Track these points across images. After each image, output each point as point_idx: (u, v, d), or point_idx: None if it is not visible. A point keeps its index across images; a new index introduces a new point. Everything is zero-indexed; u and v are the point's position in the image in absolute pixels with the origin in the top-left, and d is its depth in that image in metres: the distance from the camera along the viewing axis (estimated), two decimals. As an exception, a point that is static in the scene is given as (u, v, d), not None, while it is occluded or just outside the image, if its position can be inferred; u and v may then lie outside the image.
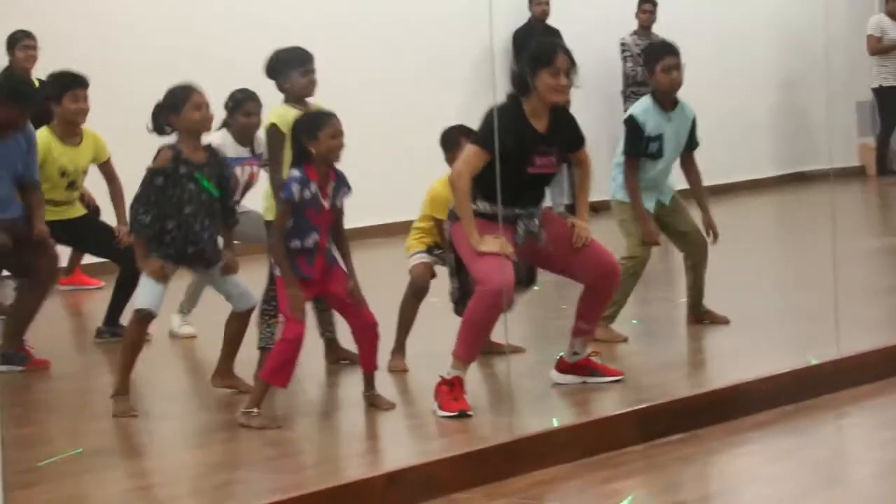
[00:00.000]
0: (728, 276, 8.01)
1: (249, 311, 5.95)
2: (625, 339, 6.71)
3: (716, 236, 6.92)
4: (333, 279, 5.53)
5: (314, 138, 5.40)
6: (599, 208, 11.20)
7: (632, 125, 6.74)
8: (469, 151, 5.52)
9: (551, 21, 11.99)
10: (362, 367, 5.63)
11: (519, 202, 5.56)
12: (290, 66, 6.36)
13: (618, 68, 12.30)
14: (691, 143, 6.89)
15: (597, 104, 11.83)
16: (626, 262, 6.56)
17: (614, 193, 6.85)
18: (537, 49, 5.57)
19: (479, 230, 5.43)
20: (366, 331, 5.57)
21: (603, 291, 5.73)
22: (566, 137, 5.65)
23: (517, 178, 5.48)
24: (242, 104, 6.70)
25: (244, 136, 6.69)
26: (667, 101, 6.75)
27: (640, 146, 6.70)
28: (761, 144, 13.49)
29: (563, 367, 5.86)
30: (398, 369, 6.28)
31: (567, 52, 5.55)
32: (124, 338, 5.94)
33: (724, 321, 6.92)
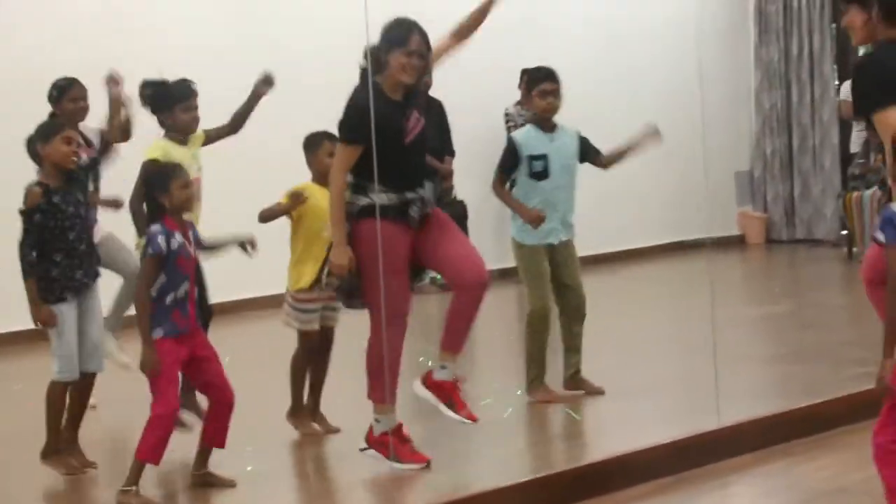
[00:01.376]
0: (610, 344, 8.02)
1: None
2: (601, 391, 6.80)
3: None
4: (199, 338, 5.44)
5: (166, 191, 5.35)
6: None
7: (508, 145, 6.87)
8: (338, 151, 5.51)
9: (434, 93, 12.00)
10: (209, 443, 5.49)
11: (407, 182, 5.52)
12: (173, 102, 6.30)
13: (502, 138, 12.33)
14: (590, 154, 6.92)
15: (480, 174, 11.83)
16: (529, 313, 6.65)
17: (513, 235, 6.88)
18: (393, 28, 5.57)
19: (369, 238, 5.39)
20: (224, 407, 5.46)
21: (466, 298, 5.56)
22: (419, 101, 5.68)
23: (397, 154, 5.45)
24: (67, 90, 6.65)
25: (72, 122, 6.43)
26: (546, 124, 6.84)
27: (511, 161, 6.78)
28: (643, 213, 13.61)
29: (428, 381, 5.67)
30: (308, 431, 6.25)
31: (422, 34, 5.57)
32: (46, 398, 5.74)
33: (600, 391, 6.90)
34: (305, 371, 6.33)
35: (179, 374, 5.38)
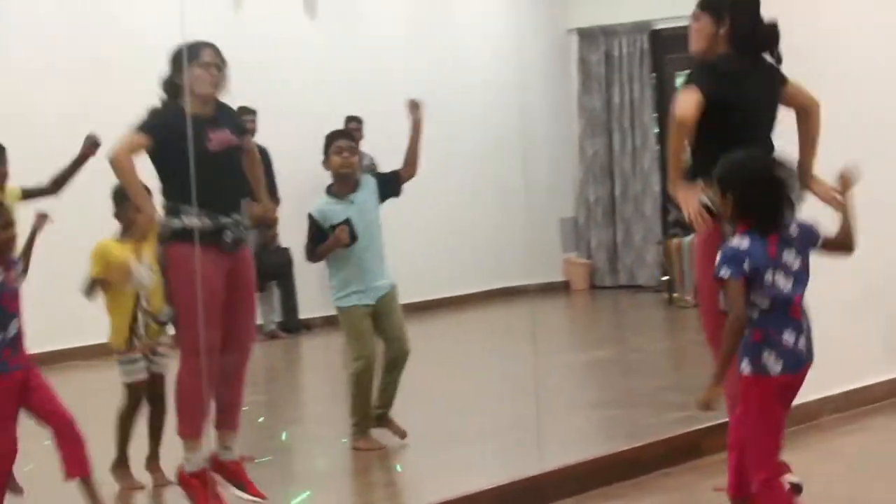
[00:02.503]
0: (433, 391, 7.99)
1: None
2: (402, 435, 6.73)
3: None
4: (32, 371, 5.26)
5: None
6: (312, 325, 11.16)
7: (309, 222, 6.79)
8: (125, 136, 5.38)
9: (258, 139, 11.92)
10: (72, 473, 5.28)
11: (219, 204, 5.41)
12: None
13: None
14: (389, 186, 6.88)
15: (305, 222, 11.77)
16: (353, 365, 6.58)
17: (333, 302, 6.81)
18: (181, 50, 5.52)
19: (183, 263, 5.29)
20: (69, 427, 5.23)
21: (234, 368, 5.50)
22: (233, 122, 5.64)
23: (203, 167, 5.32)
24: None
25: None
26: (343, 186, 6.79)
27: (318, 235, 6.73)
28: (467, 260, 13.67)
29: (214, 465, 5.57)
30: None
31: (215, 49, 5.54)
32: None
33: (402, 434, 6.83)
34: (131, 423, 6.17)
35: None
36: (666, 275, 13.12)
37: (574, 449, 6.38)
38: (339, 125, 11.56)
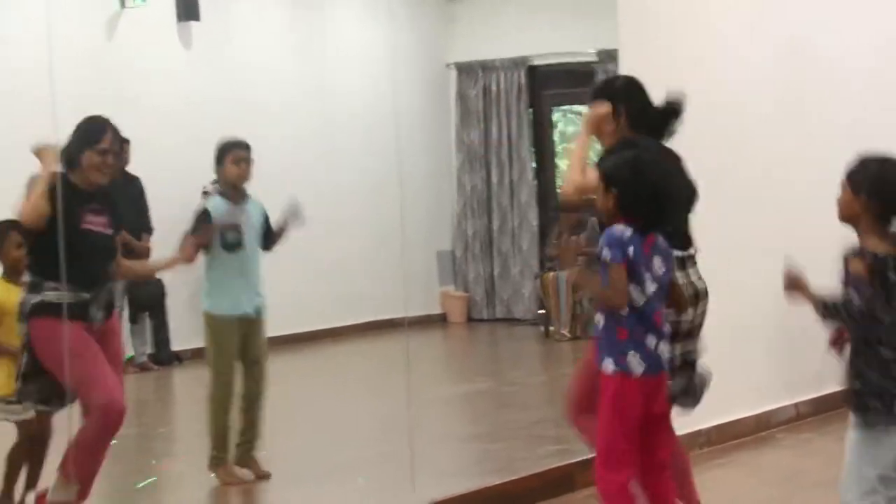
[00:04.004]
0: (307, 425, 7.91)
1: None
2: (265, 477, 6.60)
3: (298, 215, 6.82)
4: None
5: None
6: (183, 357, 10.99)
7: (200, 214, 6.73)
8: (36, 194, 5.35)
9: (132, 168, 11.75)
10: None
11: (84, 281, 5.39)
12: None
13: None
14: (268, 237, 6.84)
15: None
16: (211, 386, 6.49)
17: (205, 308, 6.74)
18: (86, 127, 5.49)
19: (47, 332, 5.27)
20: None
21: (98, 427, 5.43)
22: (117, 210, 5.64)
23: (73, 244, 5.32)
24: None
25: None
26: (235, 194, 6.75)
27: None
28: (342, 292, 13.59)
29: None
30: None
31: (115, 132, 5.50)
32: None
33: (266, 476, 6.72)
34: (22, 462, 5.98)
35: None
36: (542, 308, 13.19)
37: (448, 482, 6.35)
38: (210, 152, 11.49)
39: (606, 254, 4.47)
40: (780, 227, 7.86)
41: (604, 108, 5.19)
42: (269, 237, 6.88)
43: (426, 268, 14.34)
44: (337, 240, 13.57)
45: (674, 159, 5.23)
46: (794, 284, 4.49)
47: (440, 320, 14.53)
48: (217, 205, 6.76)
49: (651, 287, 4.54)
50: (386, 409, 8.73)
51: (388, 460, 7.00)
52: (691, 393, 5.12)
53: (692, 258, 5.18)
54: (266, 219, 6.87)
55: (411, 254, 12.59)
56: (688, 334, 5.06)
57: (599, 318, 4.57)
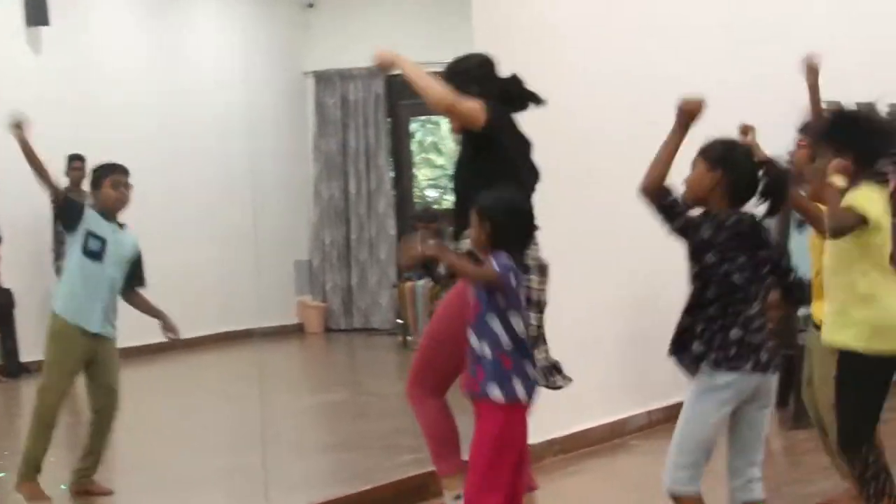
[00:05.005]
0: (158, 437, 7.78)
1: None
2: (107, 493, 6.44)
3: (174, 332, 6.72)
4: None
5: None
6: (33, 369, 10.74)
7: (76, 203, 6.59)
8: None
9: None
10: None
11: None
12: None
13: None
14: (134, 279, 6.70)
15: (27, 262, 11.37)
16: (39, 396, 6.31)
17: (55, 309, 6.56)
18: None
19: None
20: None
21: None
22: None
23: None
24: None
25: None
26: (112, 216, 6.60)
27: (72, 212, 6.52)
28: (196, 302, 13.42)
29: None
30: None
31: None
32: None
33: (107, 492, 6.58)
34: None
35: None
36: (400, 318, 13.18)
37: (302, 493, 6.31)
38: (61, 163, 11.26)
39: (495, 264, 4.55)
40: (632, 236, 7.96)
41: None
42: (134, 279, 6.70)
43: (283, 277, 14.23)
44: (191, 249, 13.39)
45: (524, 144, 5.34)
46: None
47: (297, 330, 14.43)
48: (93, 214, 6.58)
49: (526, 314, 4.70)
50: (240, 420, 8.64)
51: (240, 472, 6.91)
52: (554, 369, 5.21)
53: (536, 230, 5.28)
54: (138, 259, 6.69)
55: (267, 263, 12.50)
56: (538, 307, 5.17)
57: (483, 349, 4.60)
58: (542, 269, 5.24)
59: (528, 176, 5.28)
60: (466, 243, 5.00)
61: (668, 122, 8.50)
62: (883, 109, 5.11)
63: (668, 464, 4.58)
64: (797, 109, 6.52)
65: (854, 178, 5.01)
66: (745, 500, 4.60)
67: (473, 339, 4.63)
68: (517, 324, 4.59)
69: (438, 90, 5.12)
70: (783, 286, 4.60)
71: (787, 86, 6.91)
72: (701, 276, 4.51)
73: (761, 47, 9.16)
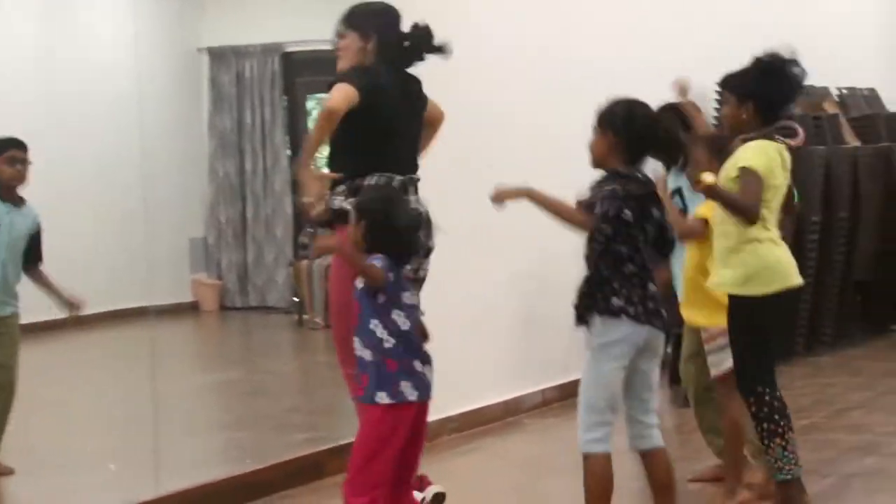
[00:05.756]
0: (47, 416, 7.64)
1: None
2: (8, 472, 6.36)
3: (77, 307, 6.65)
4: None
5: None
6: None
7: None
8: None
9: None
10: None
11: None
12: None
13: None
14: (31, 255, 6.55)
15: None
16: None
17: None
18: None
19: None
20: None
21: None
22: None
23: None
24: None
25: None
26: (10, 194, 6.46)
27: None
28: (88, 279, 13.22)
29: None
30: None
31: None
32: None
33: (8, 471, 6.49)
34: None
35: None
36: (296, 296, 13.11)
37: (193, 472, 6.25)
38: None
39: (373, 260, 4.58)
40: (527, 216, 7.97)
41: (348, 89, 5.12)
42: (33, 255, 6.57)
43: (177, 255, 14.06)
44: (81, 227, 13.16)
45: (413, 82, 5.36)
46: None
47: (191, 308, 14.26)
48: None
49: (412, 313, 4.67)
50: (131, 399, 8.52)
51: (131, 451, 6.83)
52: None
53: (416, 182, 5.27)
54: (37, 233, 6.56)
55: (161, 241, 12.31)
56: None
57: (365, 354, 4.59)
58: (423, 218, 5.25)
59: (397, 134, 5.24)
60: (337, 200, 4.99)
61: (570, 104, 8.61)
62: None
63: (580, 426, 4.69)
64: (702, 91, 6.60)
65: (752, 128, 5.16)
66: (645, 448, 4.70)
67: (357, 345, 4.62)
68: (399, 319, 4.57)
69: (318, 125, 5.10)
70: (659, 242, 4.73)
71: (692, 66, 6.96)
72: (592, 240, 4.61)
73: (665, 28, 9.25)
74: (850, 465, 6.48)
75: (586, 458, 4.65)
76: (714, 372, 5.72)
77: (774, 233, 5.34)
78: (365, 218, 4.65)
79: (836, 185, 10.01)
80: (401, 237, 4.68)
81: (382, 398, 4.56)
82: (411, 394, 4.59)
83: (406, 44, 5.33)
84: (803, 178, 8.38)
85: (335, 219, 5.01)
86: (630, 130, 4.61)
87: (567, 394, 8.33)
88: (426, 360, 4.68)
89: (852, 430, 7.33)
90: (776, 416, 5.27)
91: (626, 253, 4.58)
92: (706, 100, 6.90)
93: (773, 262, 5.28)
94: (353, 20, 5.32)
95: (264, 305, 14.36)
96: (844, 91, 11.58)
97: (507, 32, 7.97)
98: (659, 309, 4.66)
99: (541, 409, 8.14)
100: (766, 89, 5.23)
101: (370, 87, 5.08)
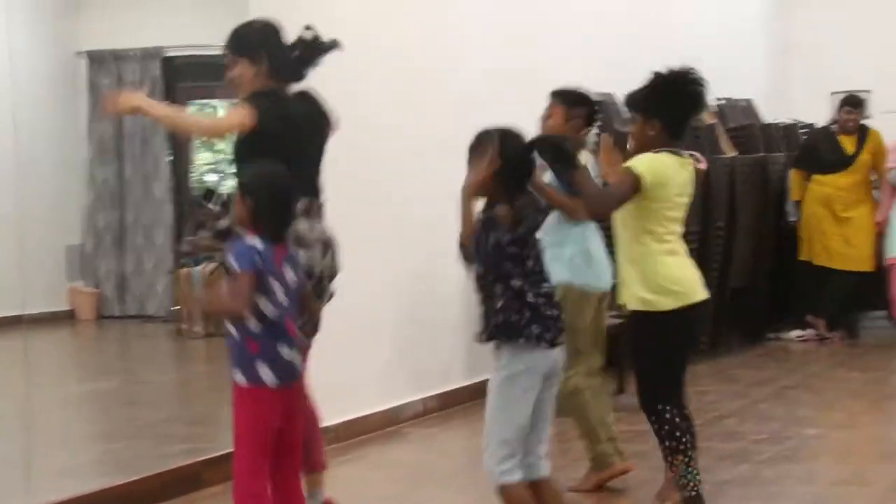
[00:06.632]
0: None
1: None
2: None
3: None
4: None
5: None
6: None
7: None
8: None
9: None
10: None
11: None
12: None
13: None
14: None
15: None
16: None
17: None
18: None
19: None
20: None
21: None
22: None
23: None
24: None
25: None
26: None
27: None
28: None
29: None
30: None
31: None
32: None
33: None
34: None
35: None
36: (176, 305, 12.95)
37: (66, 484, 6.12)
38: None
39: (234, 263, 4.50)
40: (412, 224, 7.98)
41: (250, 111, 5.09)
42: None
43: (54, 263, 13.81)
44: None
45: (314, 102, 5.33)
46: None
47: (68, 317, 14.02)
48: None
49: (283, 297, 4.59)
50: (3, 409, 8.36)
51: (1, 462, 6.68)
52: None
53: (320, 207, 5.25)
54: None
55: (37, 248, 12.09)
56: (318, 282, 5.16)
57: (231, 330, 4.56)
58: (327, 244, 5.24)
59: (300, 159, 5.20)
60: (222, 222, 4.98)
61: (440, 109, 8.64)
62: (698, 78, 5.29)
63: (490, 458, 4.62)
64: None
65: (659, 144, 5.20)
66: (533, 478, 4.70)
67: (228, 325, 4.60)
68: (266, 307, 4.54)
69: (202, 124, 5.06)
70: None
71: (554, 77, 7.00)
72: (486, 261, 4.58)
73: (530, 37, 9.30)
74: (724, 473, 6.57)
75: (502, 488, 4.60)
76: None
77: (675, 246, 5.33)
78: (249, 195, 4.61)
79: (713, 194, 10.15)
80: (283, 215, 4.66)
81: (241, 379, 4.54)
82: (270, 378, 4.54)
83: (296, 54, 5.29)
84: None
85: (221, 238, 4.99)
86: (507, 162, 4.58)
87: (447, 403, 8.34)
88: (294, 346, 4.63)
89: (727, 438, 7.43)
90: (677, 434, 5.29)
91: (519, 271, 4.56)
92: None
93: (671, 278, 5.27)
94: (239, 47, 5.26)
95: (143, 314, 14.17)
96: (723, 101, 11.76)
97: (374, 36, 7.95)
98: (561, 328, 4.64)
99: (421, 419, 8.14)
100: (671, 107, 5.27)
101: (272, 115, 5.06)
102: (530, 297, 4.55)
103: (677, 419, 5.30)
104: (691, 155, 5.49)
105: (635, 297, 5.30)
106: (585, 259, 6.16)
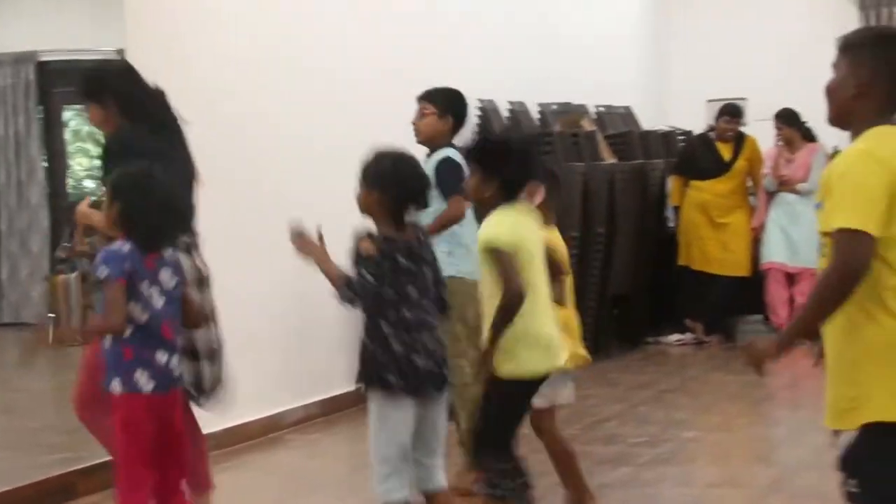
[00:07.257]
0: None
1: None
2: None
3: None
4: None
5: None
6: None
7: None
8: None
9: None
10: None
11: None
12: None
13: None
14: None
15: None
16: None
17: None
18: None
19: None
20: None
21: None
22: None
23: None
24: None
25: None
26: None
27: None
28: None
29: None
30: None
31: None
32: None
33: None
34: None
35: None
36: (52, 312, 12.72)
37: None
38: None
39: (103, 271, 4.40)
40: (283, 224, 7.90)
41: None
42: None
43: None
44: None
45: (178, 136, 5.24)
46: (304, 243, 4.64)
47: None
48: None
49: (158, 301, 4.49)
50: None
51: None
52: (202, 386, 5.13)
53: (196, 243, 5.18)
54: None
55: None
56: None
57: (105, 339, 4.47)
58: (202, 281, 5.18)
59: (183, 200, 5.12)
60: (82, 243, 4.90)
61: (323, 111, 8.60)
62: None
63: (375, 477, 4.63)
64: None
65: (494, 205, 5.07)
66: (428, 489, 4.70)
67: None
68: (137, 311, 4.45)
69: None
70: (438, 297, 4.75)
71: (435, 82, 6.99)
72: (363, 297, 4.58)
73: (415, 40, 9.30)
74: (604, 476, 6.62)
75: None
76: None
77: (537, 303, 5.02)
78: (118, 198, 4.49)
79: (593, 200, 10.24)
80: (154, 220, 4.49)
81: (115, 386, 4.45)
82: (146, 384, 4.44)
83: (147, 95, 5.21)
84: (562, 194, 8.53)
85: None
86: (394, 188, 4.62)
87: (330, 409, 8.30)
88: (173, 351, 4.53)
89: (607, 441, 7.50)
90: (507, 481, 5.09)
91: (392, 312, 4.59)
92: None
93: (529, 340, 4.99)
94: (88, 92, 5.23)
95: (19, 321, 13.91)
96: (601, 109, 11.88)
97: (261, 37, 7.90)
98: (439, 365, 4.63)
99: (303, 425, 8.08)
100: (511, 172, 5.07)
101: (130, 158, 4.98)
102: (396, 346, 4.56)
103: (505, 470, 5.08)
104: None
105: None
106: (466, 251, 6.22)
